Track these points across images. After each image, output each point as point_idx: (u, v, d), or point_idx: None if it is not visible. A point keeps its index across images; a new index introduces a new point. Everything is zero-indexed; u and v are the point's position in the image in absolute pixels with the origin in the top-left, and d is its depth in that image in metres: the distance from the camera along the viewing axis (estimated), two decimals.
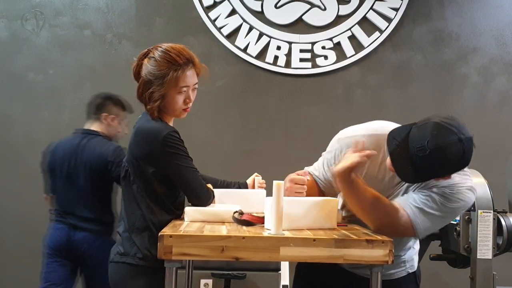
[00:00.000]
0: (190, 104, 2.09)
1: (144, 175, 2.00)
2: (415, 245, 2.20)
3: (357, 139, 1.94)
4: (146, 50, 2.09)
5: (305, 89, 4.16)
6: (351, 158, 1.83)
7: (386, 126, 1.99)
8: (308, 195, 2.04)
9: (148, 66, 2.03)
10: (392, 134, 1.85)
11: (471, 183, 1.96)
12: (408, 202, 1.91)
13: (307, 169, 2.19)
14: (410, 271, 2.18)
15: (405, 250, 2.13)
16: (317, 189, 2.14)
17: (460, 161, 1.78)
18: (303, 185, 2.03)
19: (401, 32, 4.18)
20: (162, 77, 2.00)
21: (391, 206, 1.90)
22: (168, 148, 1.97)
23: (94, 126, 3.10)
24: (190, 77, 2.05)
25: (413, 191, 1.96)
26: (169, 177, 2.01)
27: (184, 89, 2.04)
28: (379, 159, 1.97)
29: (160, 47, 2.06)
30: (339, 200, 2.08)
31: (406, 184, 1.99)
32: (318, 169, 2.15)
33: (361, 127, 2.09)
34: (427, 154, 1.73)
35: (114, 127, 3.15)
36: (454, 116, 1.83)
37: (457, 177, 1.92)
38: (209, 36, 4.15)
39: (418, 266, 2.23)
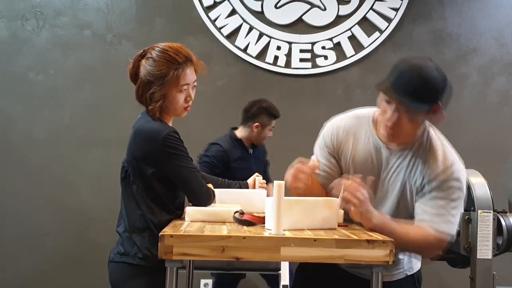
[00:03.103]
0: (191, 102, 2.09)
1: (144, 175, 2.00)
2: None
3: (344, 122, 2.10)
4: (142, 50, 2.07)
5: (305, 89, 4.16)
6: (354, 198, 1.83)
7: (369, 111, 2.08)
8: (310, 194, 2.02)
9: (146, 67, 2.01)
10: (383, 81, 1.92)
11: (456, 166, 1.96)
12: (425, 218, 1.94)
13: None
14: (409, 273, 2.16)
15: (403, 252, 2.13)
16: (320, 189, 2.13)
17: (440, 83, 1.83)
18: (308, 173, 1.98)
19: (401, 32, 4.18)
20: (162, 77, 1.99)
21: (418, 236, 1.93)
22: (167, 149, 1.96)
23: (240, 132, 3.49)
24: (190, 75, 2.05)
25: (416, 202, 1.98)
26: (169, 177, 2.01)
27: (185, 87, 2.04)
28: (363, 140, 2.04)
29: (157, 46, 2.05)
30: (339, 201, 2.07)
31: (399, 183, 1.99)
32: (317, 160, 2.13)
33: (344, 114, 2.17)
34: (408, 73, 1.80)
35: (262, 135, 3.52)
36: None
37: (441, 166, 1.94)
38: (209, 36, 4.15)
39: (419, 269, 2.22)
